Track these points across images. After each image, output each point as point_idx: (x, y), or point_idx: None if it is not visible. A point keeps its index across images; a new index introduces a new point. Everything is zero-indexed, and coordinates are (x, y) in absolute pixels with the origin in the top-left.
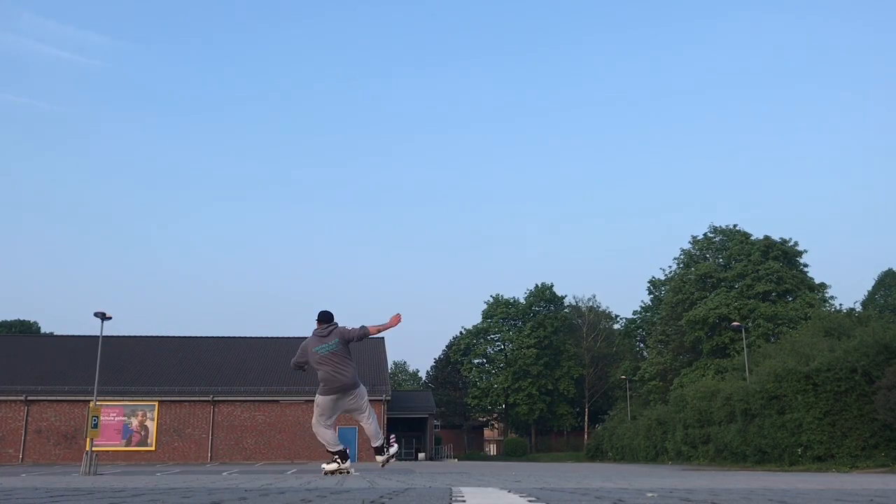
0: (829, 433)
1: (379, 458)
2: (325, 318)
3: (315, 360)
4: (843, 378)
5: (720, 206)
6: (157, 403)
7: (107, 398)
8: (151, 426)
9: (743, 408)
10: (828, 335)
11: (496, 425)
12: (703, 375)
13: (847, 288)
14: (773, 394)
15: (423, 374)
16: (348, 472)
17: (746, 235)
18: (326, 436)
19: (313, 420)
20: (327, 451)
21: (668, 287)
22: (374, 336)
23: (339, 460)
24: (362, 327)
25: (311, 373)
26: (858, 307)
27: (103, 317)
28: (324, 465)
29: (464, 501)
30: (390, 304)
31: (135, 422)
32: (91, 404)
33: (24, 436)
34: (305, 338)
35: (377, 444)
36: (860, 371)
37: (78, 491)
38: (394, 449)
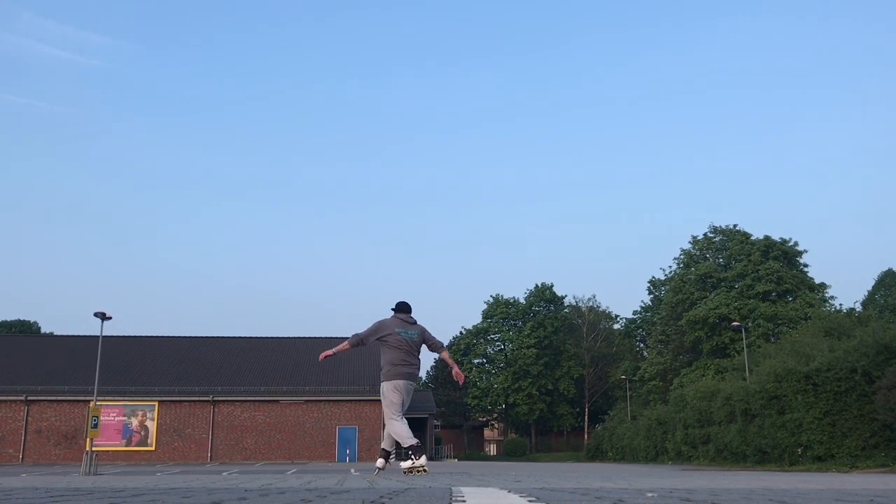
0: (829, 433)
1: (380, 463)
2: (409, 308)
3: (393, 340)
4: (843, 378)
5: (720, 206)
6: (156, 403)
7: (107, 398)
8: (151, 426)
9: (743, 408)
10: (828, 335)
11: (496, 425)
12: (703, 375)
13: (847, 288)
14: (773, 394)
15: (423, 374)
16: (424, 471)
17: (746, 235)
18: (399, 429)
19: (385, 414)
20: (402, 446)
21: (668, 287)
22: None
23: (413, 456)
24: (441, 344)
25: (323, 365)
26: (858, 307)
27: (103, 317)
28: (401, 463)
29: (464, 501)
30: (390, 304)
31: (135, 422)
32: (91, 404)
33: (25, 436)
34: (309, 337)
35: (402, 445)
36: (860, 371)
37: (78, 491)
38: (380, 462)
